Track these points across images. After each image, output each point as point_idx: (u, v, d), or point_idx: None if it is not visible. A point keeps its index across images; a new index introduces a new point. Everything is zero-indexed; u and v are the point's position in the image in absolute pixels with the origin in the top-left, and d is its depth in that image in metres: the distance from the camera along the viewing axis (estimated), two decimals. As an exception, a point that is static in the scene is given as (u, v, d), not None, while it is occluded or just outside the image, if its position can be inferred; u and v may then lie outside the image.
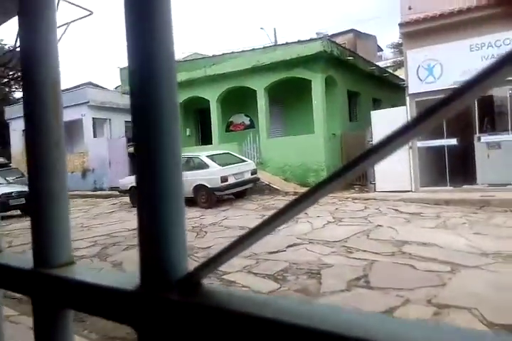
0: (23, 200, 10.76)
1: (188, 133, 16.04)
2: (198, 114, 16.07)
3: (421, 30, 9.50)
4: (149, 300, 0.37)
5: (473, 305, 3.48)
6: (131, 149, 12.82)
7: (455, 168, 9.81)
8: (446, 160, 9.70)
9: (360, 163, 0.30)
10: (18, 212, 11.27)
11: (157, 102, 0.38)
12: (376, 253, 5.23)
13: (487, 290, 3.80)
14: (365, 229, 6.63)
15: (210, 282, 2.86)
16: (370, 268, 4.64)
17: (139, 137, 0.39)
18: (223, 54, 14.52)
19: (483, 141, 9.36)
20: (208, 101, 14.23)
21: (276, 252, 5.56)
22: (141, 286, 0.38)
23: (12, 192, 10.94)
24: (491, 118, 10.36)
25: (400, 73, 14.51)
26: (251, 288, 4.32)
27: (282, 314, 0.31)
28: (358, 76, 13.80)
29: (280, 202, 10.26)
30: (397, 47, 22.63)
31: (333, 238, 6.09)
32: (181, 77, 14.46)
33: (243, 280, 4.54)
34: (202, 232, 7.31)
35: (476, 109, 9.50)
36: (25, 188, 10.42)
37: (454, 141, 9.63)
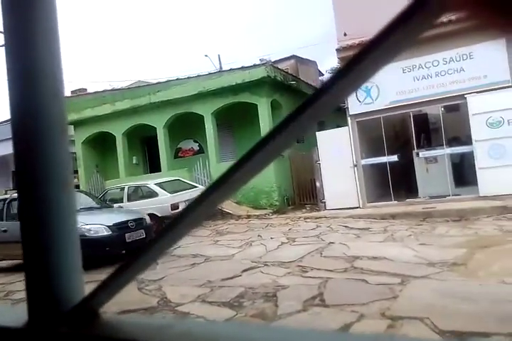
0: (142, 233, 7.39)
1: (134, 162, 15.68)
2: (145, 141, 15.82)
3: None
4: (37, 337, 0.34)
5: (425, 314, 3.56)
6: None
7: (398, 182, 10.28)
8: (390, 175, 10.15)
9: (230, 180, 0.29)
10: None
11: (42, 122, 0.36)
12: (330, 270, 5.27)
13: (436, 299, 3.92)
14: (318, 247, 6.70)
15: (162, 315, 2.72)
16: (325, 286, 4.66)
17: (20, 159, 0.36)
18: (168, 81, 14.55)
19: (421, 156, 9.91)
20: (155, 128, 14.08)
21: (232, 278, 5.45)
22: (29, 322, 0.35)
23: (128, 221, 7.37)
24: (427, 134, 11.05)
25: (340, 95, 15.21)
26: (206, 317, 4.18)
27: (186, 337, 0.29)
28: (301, 99, 14.20)
29: (233, 227, 10.17)
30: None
31: (287, 258, 6.08)
32: (124, 105, 14.26)
33: (198, 311, 4.38)
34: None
35: (413, 126, 10.10)
36: (138, 214, 8.10)
37: (395, 158, 10.11)
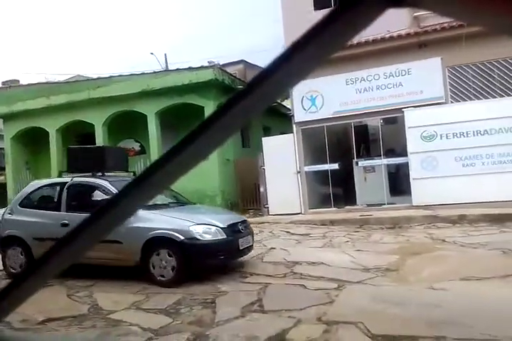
0: (250, 240, 5.91)
1: (70, 160, 14.87)
2: (81, 139, 15.07)
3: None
4: None
5: (359, 319, 3.66)
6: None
7: (338, 190, 10.61)
8: (331, 183, 10.45)
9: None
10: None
11: None
12: (270, 275, 5.28)
13: (370, 304, 4.04)
14: (259, 252, 6.70)
15: (93, 324, 2.53)
16: (264, 292, 4.65)
17: None
18: (110, 76, 13.99)
19: (360, 165, 10.31)
20: (93, 125, 13.45)
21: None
22: None
23: (238, 223, 5.82)
24: (367, 144, 11.53)
25: (287, 103, 15.47)
26: (140, 325, 3.99)
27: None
28: (249, 104, 14.33)
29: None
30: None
31: (229, 264, 6.01)
32: (60, 99, 13.49)
33: (131, 318, 4.18)
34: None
35: (354, 136, 10.48)
36: (238, 215, 6.64)
37: (336, 166, 10.43)
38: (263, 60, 16.10)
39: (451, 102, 9.56)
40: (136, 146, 14.31)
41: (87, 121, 13.48)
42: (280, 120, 15.89)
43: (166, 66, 19.70)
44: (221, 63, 14.38)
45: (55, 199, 6.16)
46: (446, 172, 8.99)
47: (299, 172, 10.55)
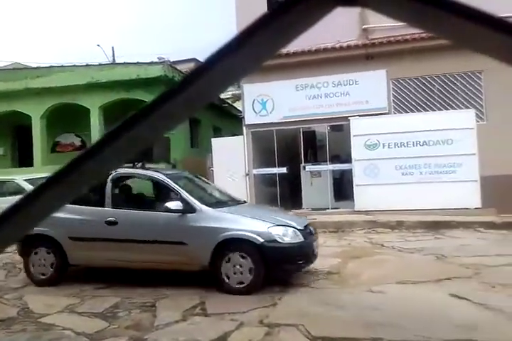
0: (317, 244, 5.35)
1: (1, 153, 13.88)
2: (16, 131, 14.10)
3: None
4: None
5: (300, 321, 3.69)
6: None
7: (285, 193, 10.74)
8: (278, 186, 10.56)
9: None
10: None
11: None
12: (212, 279, 5.20)
13: (312, 307, 4.10)
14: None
15: (23, 328, 2.31)
16: (207, 295, 4.57)
17: None
18: (51, 67, 13.21)
19: (307, 170, 10.52)
20: (30, 117, 12.63)
21: (105, 288, 5.04)
22: None
23: (308, 225, 5.25)
24: (314, 150, 11.79)
25: (238, 105, 15.48)
26: (74, 329, 3.77)
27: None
28: (200, 104, 14.17)
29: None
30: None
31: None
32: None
33: (64, 322, 3.94)
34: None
35: (302, 141, 10.68)
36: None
37: (284, 170, 10.57)
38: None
39: (394, 113, 10.03)
40: (77, 141, 13.62)
41: (24, 112, 12.62)
42: (231, 121, 15.87)
43: (113, 59, 18.99)
44: (172, 60, 14.10)
45: (97, 193, 5.33)
46: (387, 179, 9.40)
47: (247, 174, 10.56)
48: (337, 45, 9.80)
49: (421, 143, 9.38)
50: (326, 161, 10.46)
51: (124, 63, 12.62)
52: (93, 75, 11.91)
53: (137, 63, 12.01)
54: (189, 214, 4.70)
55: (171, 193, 5.07)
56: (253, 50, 0.32)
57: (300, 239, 4.65)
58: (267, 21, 0.30)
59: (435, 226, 7.98)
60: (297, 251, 4.58)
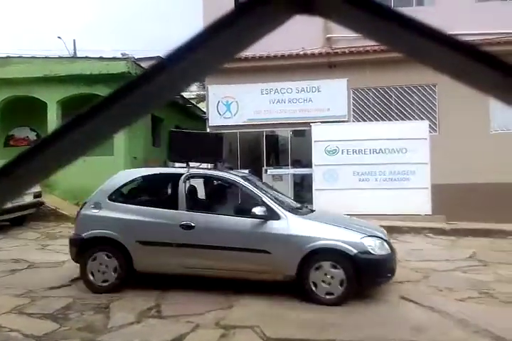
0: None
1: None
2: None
3: (222, 69, 10.37)
4: None
5: (256, 323, 3.74)
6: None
7: (245, 196, 10.78)
8: (239, 188, 10.59)
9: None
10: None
11: None
12: (169, 280, 5.15)
13: (270, 308, 4.15)
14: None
15: None
16: (163, 297, 4.52)
17: None
18: (8, 57, 12.60)
19: (269, 173, 10.64)
20: (-19, 109, 11.98)
21: (59, 287, 4.88)
22: None
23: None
24: (276, 154, 11.94)
25: (203, 106, 15.41)
26: (22, 331, 3.63)
27: None
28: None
29: (69, 230, 9.20)
30: (201, 82, 24.06)
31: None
32: None
33: (11, 324, 3.78)
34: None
35: (265, 145, 10.80)
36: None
37: (246, 172, 10.61)
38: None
39: (353, 121, 10.36)
40: (32, 135, 13.05)
41: (-25, 104, 11.95)
42: (195, 122, 15.77)
43: (74, 52, 18.36)
44: (137, 57, 13.82)
45: (168, 195, 5.02)
46: (345, 185, 9.68)
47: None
48: (301, 53, 10.01)
49: (377, 151, 9.74)
50: (288, 165, 10.63)
51: (86, 57, 12.23)
52: (52, 68, 11.47)
53: (100, 58, 11.69)
54: (273, 221, 4.40)
55: (249, 197, 4.75)
56: (212, 49, 0.31)
57: (388, 250, 4.43)
58: (226, 22, 0.30)
59: (388, 231, 8.20)
60: (387, 263, 4.38)
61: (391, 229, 8.32)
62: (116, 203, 4.85)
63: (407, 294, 4.52)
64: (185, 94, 18.43)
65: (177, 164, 5.86)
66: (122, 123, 0.34)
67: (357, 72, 10.06)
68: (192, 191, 5.09)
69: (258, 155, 11.06)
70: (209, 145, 5.42)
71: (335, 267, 4.27)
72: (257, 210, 4.36)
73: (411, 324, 3.71)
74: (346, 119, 10.28)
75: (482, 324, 3.68)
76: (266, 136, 10.88)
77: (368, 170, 9.76)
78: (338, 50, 10.20)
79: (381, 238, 4.52)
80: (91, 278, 4.69)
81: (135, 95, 0.30)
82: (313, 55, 10.21)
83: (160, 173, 5.23)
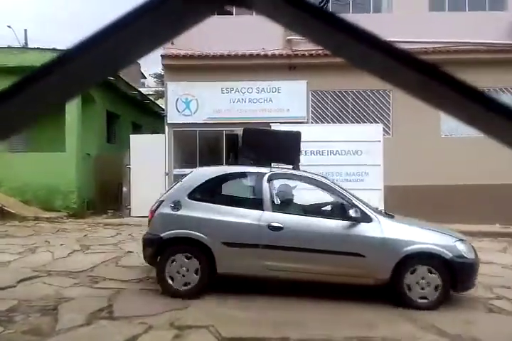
0: None
1: None
2: None
3: (182, 66, 10.24)
4: None
5: (211, 323, 3.72)
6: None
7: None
8: (197, 187, 10.48)
9: None
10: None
11: None
12: (124, 280, 5.03)
13: (225, 308, 4.15)
14: (114, 256, 6.35)
15: None
16: (116, 298, 4.41)
17: None
18: None
19: (227, 172, 10.61)
20: None
21: (3, 289, 4.63)
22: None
23: None
24: (236, 153, 11.92)
25: (161, 102, 15.14)
26: (-41, 337, 3.40)
27: None
28: (120, 98, 13.63)
29: (15, 229, 8.76)
30: (160, 78, 23.65)
31: (77, 268, 5.54)
32: None
33: None
34: None
35: (225, 144, 10.76)
36: None
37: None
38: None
39: (312, 122, 10.55)
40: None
41: None
42: (153, 118, 15.46)
43: (26, 43, 17.45)
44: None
45: (252, 194, 4.76)
46: (303, 185, 9.83)
47: (167, 174, 10.36)
48: (262, 53, 10.06)
49: (334, 153, 9.98)
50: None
51: (38, 48, 11.67)
52: (1, 58, 10.86)
53: (53, 49, 11.18)
54: (365, 224, 4.29)
55: (337, 198, 4.66)
56: (134, 38, 0.30)
57: (475, 254, 4.34)
58: (150, 7, 0.28)
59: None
60: (476, 267, 4.30)
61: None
62: (196, 202, 4.57)
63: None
64: (143, 90, 18.03)
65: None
66: (36, 109, 0.32)
67: (316, 74, 10.25)
68: (276, 190, 4.87)
69: (218, 154, 11.02)
70: (285, 145, 5.22)
71: (430, 271, 4.21)
72: (352, 212, 4.26)
73: (359, 321, 3.82)
74: (306, 121, 10.45)
75: (429, 320, 3.85)
76: (226, 135, 10.84)
77: (325, 171, 9.96)
78: (298, 52, 10.35)
79: (466, 241, 4.43)
80: (170, 281, 4.41)
81: (49, 81, 0.29)
82: (273, 55, 10.30)
83: (240, 172, 4.97)
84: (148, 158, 10.24)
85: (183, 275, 4.39)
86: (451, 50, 10.28)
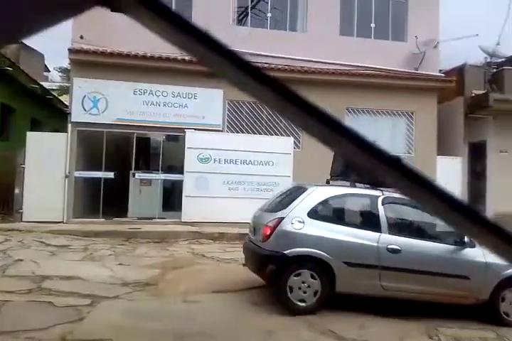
0: None
1: None
2: None
3: (92, 62, 9.62)
4: None
5: (109, 336, 3.48)
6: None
7: (110, 200, 10.11)
8: (102, 192, 9.87)
9: None
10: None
11: None
12: (10, 291, 4.51)
13: (124, 319, 3.91)
14: (1, 264, 5.67)
15: None
16: (0, 311, 3.91)
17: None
18: None
19: (137, 177, 10.17)
20: None
21: None
22: None
23: None
24: (147, 157, 11.50)
25: (65, 99, 14.06)
26: None
27: None
28: (17, 90, 12.41)
29: None
30: (66, 73, 22.08)
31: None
32: None
33: None
34: None
35: (135, 147, 10.31)
36: None
37: (111, 175, 9.95)
38: (47, 44, 14.26)
39: (227, 131, 10.62)
40: None
41: None
42: (56, 115, 14.28)
43: None
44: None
45: (368, 216, 4.89)
46: (215, 193, 9.80)
47: (67, 176, 9.59)
48: (179, 57, 9.91)
49: (247, 162, 10.14)
50: (159, 170, 10.32)
51: None
52: None
53: None
54: (470, 249, 4.58)
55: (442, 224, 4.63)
56: None
57: None
58: None
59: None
60: None
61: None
62: (316, 220, 4.67)
63: (257, 300, 4.71)
64: (46, 85, 16.63)
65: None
66: None
67: (233, 84, 10.35)
68: (390, 214, 4.94)
69: (127, 157, 10.52)
70: None
71: None
72: (464, 238, 4.58)
73: (262, 329, 3.85)
74: (221, 129, 10.48)
75: (328, 326, 4.01)
76: (137, 138, 10.42)
77: (237, 179, 10.07)
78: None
79: None
80: (290, 297, 4.40)
81: None
82: (191, 61, 10.19)
83: (354, 193, 5.10)
84: (46, 158, 9.38)
85: (304, 292, 4.45)
86: (357, 73, 11.13)
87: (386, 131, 11.62)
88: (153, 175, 10.30)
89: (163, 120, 10.13)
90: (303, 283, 4.45)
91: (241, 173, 10.06)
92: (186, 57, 10.12)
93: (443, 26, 12.01)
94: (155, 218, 9.88)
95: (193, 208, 9.63)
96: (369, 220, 4.88)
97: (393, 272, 4.52)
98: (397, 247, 4.56)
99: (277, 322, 4.07)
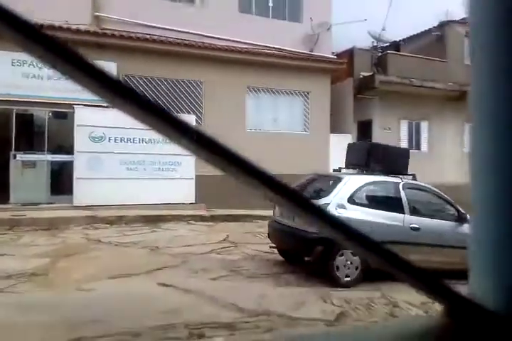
0: None
1: None
2: None
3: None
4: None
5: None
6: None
7: (-14, 185, 8.96)
8: (-23, 176, 8.69)
9: None
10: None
11: None
12: None
13: (11, 315, 3.54)
14: None
15: None
16: None
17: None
18: None
19: (18, 159, 9.13)
20: None
21: None
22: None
23: None
24: (30, 137, 10.35)
25: None
26: None
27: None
28: None
29: None
30: None
31: None
32: None
33: None
34: None
35: (15, 125, 9.20)
36: None
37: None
38: None
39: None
40: None
41: None
42: None
43: None
44: None
45: (392, 200, 5.59)
46: (111, 174, 9.24)
47: None
48: (65, 26, 8.96)
49: (146, 141, 9.71)
50: (44, 151, 9.38)
51: None
52: None
53: None
54: (465, 224, 5.39)
55: (443, 204, 5.82)
56: None
57: None
58: None
59: (153, 220, 8.39)
60: None
61: (156, 219, 8.48)
62: (355, 205, 5.30)
63: (164, 280, 4.64)
64: None
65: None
66: None
67: (127, 57, 9.74)
68: (409, 198, 5.63)
69: (5, 137, 9.35)
70: (400, 158, 6.25)
71: None
72: (461, 216, 5.54)
73: (168, 308, 3.80)
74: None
75: (229, 299, 4.10)
76: (17, 115, 9.30)
77: (136, 159, 9.61)
78: (107, 31, 9.62)
79: None
80: (337, 273, 5.01)
81: None
82: (78, 31, 9.30)
83: (380, 181, 5.76)
84: None
85: (349, 268, 5.07)
86: (257, 52, 11.20)
87: (285, 110, 12.00)
88: (38, 156, 9.34)
89: (48, 95, 9.15)
90: (346, 261, 5.10)
91: (140, 153, 9.62)
92: (73, 26, 9.20)
93: (335, 10, 12.58)
94: (42, 203, 9.03)
95: (87, 191, 8.99)
96: (395, 203, 5.59)
97: (416, 247, 5.28)
98: (417, 226, 5.41)
99: (183, 300, 4.03)
